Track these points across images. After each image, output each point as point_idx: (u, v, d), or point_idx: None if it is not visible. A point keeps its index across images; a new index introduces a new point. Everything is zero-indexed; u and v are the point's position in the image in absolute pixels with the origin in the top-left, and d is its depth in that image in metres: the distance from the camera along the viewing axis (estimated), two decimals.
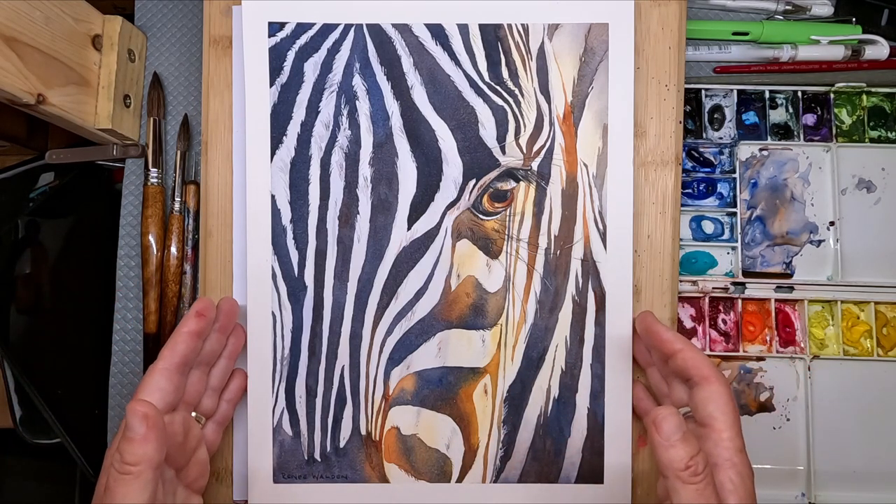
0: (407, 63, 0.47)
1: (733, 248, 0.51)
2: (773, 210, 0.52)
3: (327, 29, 0.47)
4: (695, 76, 0.53)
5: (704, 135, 0.53)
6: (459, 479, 0.47)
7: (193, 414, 0.42)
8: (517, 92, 0.47)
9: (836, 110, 0.53)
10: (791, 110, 0.53)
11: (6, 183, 0.60)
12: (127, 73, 0.51)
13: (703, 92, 0.53)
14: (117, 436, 0.36)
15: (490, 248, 0.47)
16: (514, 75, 0.47)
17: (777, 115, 0.53)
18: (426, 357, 0.47)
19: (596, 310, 0.47)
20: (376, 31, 0.47)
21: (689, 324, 0.51)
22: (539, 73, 0.47)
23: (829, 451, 0.50)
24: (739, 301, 0.51)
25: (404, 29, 0.47)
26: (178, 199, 0.51)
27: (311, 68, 0.47)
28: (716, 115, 0.53)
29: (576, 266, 0.47)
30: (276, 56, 0.47)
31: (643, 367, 0.46)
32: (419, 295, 0.47)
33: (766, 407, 0.51)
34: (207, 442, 0.43)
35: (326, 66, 0.47)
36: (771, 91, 0.53)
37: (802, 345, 0.51)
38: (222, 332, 0.44)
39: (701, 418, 0.38)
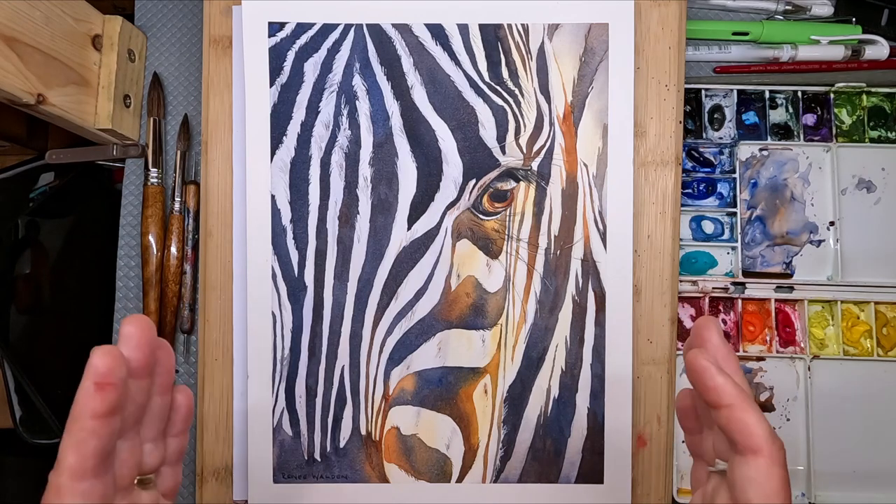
0: (407, 63, 0.47)
1: (733, 248, 0.51)
2: (773, 210, 0.52)
3: (327, 29, 0.47)
4: (695, 76, 0.53)
5: (704, 135, 0.53)
6: (459, 479, 0.47)
7: (137, 478, 0.30)
8: (517, 92, 0.47)
9: (836, 110, 0.53)
10: (791, 110, 0.53)
11: (6, 183, 0.60)
12: (127, 73, 0.51)
13: (703, 92, 0.53)
14: None
15: (490, 248, 0.47)
16: (514, 75, 0.47)
17: (777, 115, 0.53)
18: (426, 357, 0.47)
19: (596, 310, 0.47)
20: (376, 31, 0.47)
21: (689, 324, 0.51)
22: (539, 73, 0.47)
23: (829, 451, 0.50)
24: (739, 301, 0.51)
25: (404, 29, 0.47)
26: (178, 199, 0.51)
27: (311, 68, 0.47)
28: (716, 115, 0.53)
29: (576, 266, 0.47)
30: (276, 56, 0.47)
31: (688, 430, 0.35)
32: (419, 295, 0.47)
33: (766, 407, 0.51)
34: (165, 492, 0.33)
35: (326, 66, 0.47)
36: (771, 91, 0.53)
37: (802, 345, 0.51)
38: (141, 375, 0.29)
39: (737, 498, 0.29)
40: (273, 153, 0.47)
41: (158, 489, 0.32)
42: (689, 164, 0.52)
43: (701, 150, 0.53)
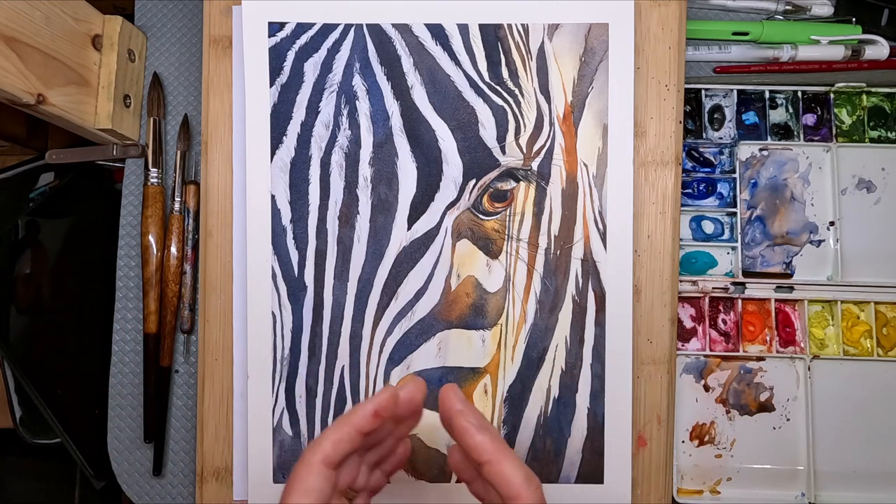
0: (407, 63, 0.47)
1: (733, 248, 0.51)
2: (773, 210, 0.52)
3: (327, 29, 0.47)
4: (695, 76, 0.53)
5: (704, 135, 0.53)
6: (459, 480, 0.47)
7: (349, 490, 0.37)
8: (517, 92, 0.47)
9: (836, 110, 0.53)
10: (791, 110, 0.53)
11: (6, 183, 0.60)
12: (127, 73, 0.51)
13: (703, 92, 0.53)
14: None
15: (490, 248, 0.47)
16: (514, 75, 0.47)
17: (777, 115, 0.53)
18: (426, 357, 0.47)
19: (596, 310, 0.47)
20: (376, 31, 0.47)
21: (689, 324, 0.51)
22: (539, 73, 0.47)
23: (829, 451, 0.50)
24: (739, 301, 0.51)
25: (404, 29, 0.47)
26: (178, 199, 0.51)
27: (311, 68, 0.47)
28: (716, 115, 0.53)
29: (576, 266, 0.47)
30: (276, 56, 0.47)
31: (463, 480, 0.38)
32: (419, 295, 0.47)
33: (766, 407, 0.51)
34: None
35: (326, 66, 0.47)
36: (771, 91, 0.53)
37: (802, 345, 0.51)
38: (398, 422, 0.37)
39: None
40: (273, 153, 0.47)
41: None
42: (689, 164, 0.52)
43: (701, 150, 0.53)
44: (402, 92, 0.47)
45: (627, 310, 0.47)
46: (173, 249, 0.51)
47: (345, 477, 0.36)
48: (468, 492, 0.47)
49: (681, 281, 0.50)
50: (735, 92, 0.53)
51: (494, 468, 0.33)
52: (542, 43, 0.47)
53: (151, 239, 0.51)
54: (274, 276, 0.47)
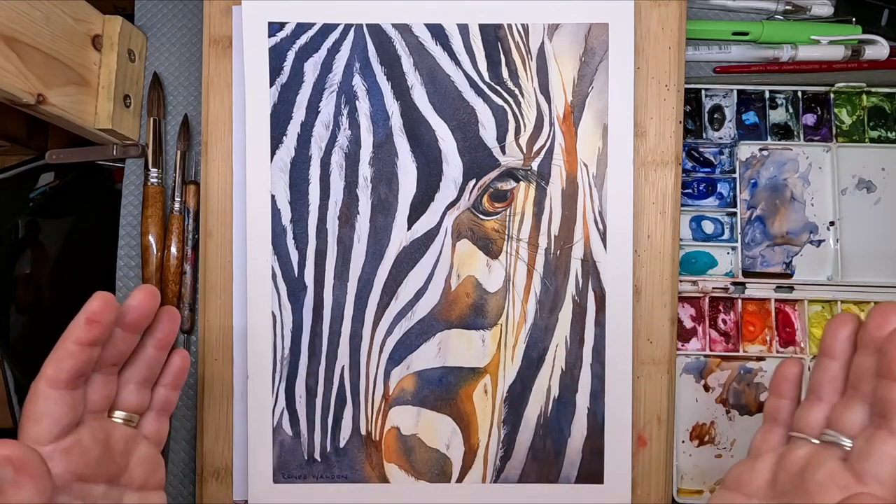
0: (407, 63, 0.47)
1: (733, 248, 0.51)
2: (773, 210, 0.52)
3: (327, 29, 0.47)
4: (695, 76, 0.53)
5: (704, 135, 0.53)
6: (459, 479, 0.47)
7: (121, 414, 0.37)
8: (517, 92, 0.47)
9: (836, 110, 0.53)
10: (791, 110, 0.53)
11: (6, 183, 0.60)
12: (127, 73, 0.51)
13: (703, 92, 0.53)
14: None
15: (490, 248, 0.47)
16: (514, 75, 0.47)
17: (777, 115, 0.53)
18: (426, 357, 0.47)
19: (596, 310, 0.47)
20: (376, 31, 0.47)
21: (689, 324, 0.51)
22: (539, 73, 0.47)
23: None
24: (739, 301, 0.51)
25: (404, 29, 0.47)
26: (178, 199, 0.51)
27: (311, 68, 0.47)
28: (716, 115, 0.53)
29: (576, 266, 0.47)
30: (276, 56, 0.47)
31: (826, 351, 0.33)
32: (419, 295, 0.47)
33: None
34: (148, 436, 0.38)
35: (326, 66, 0.47)
36: (771, 91, 0.53)
37: (802, 345, 0.51)
38: (131, 330, 0.36)
39: (863, 470, 0.29)
40: (273, 153, 0.47)
41: (142, 431, 0.38)
42: (689, 164, 0.52)
43: (701, 150, 0.53)
44: (402, 92, 0.47)
45: (627, 310, 0.47)
46: (173, 249, 0.51)
47: (96, 396, 0.35)
48: (468, 492, 0.47)
49: (681, 281, 0.50)
50: (735, 92, 0.53)
51: None
52: (542, 43, 0.47)
53: (151, 239, 0.51)
54: (274, 276, 0.47)
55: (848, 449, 0.30)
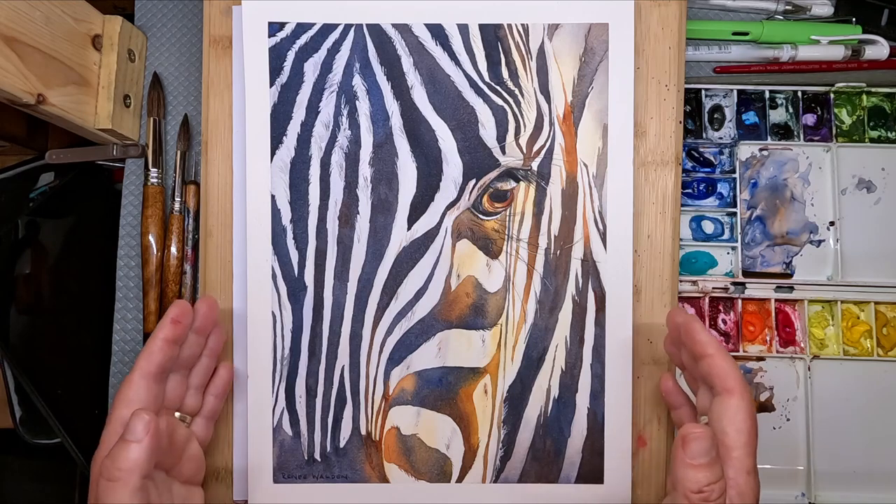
0: (407, 63, 0.47)
1: (733, 248, 0.51)
2: (773, 210, 0.52)
3: (327, 29, 0.47)
4: (695, 76, 0.53)
5: (704, 135, 0.53)
6: (459, 479, 0.47)
7: (178, 414, 0.43)
8: (517, 92, 0.47)
9: (836, 110, 0.53)
10: (791, 110, 0.53)
11: (6, 183, 0.60)
12: (127, 73, 0.51)
13: (703, 92, 0.53)
14: (101, 448, 0.37)
15: (490, 248, 0.47)
16: (514, 75, 0.47)
17: (777, 115, 0.53)
18: (426, 357, 0.47)
19: (596, 310, 0.47)
20: (376, 31, 0.47)
21: None
22: (539, 73, 0.47)
23: (829, 451, 0.50)
24: (739, 301, 0.51)
25: (404, 29, 0.47)
26: (178, 199, 0.51)
27: (311, 68, 0.47)
28: (716, 115, 0.53)
29: (576, 266, 0.47)
30: (276, 56, 0.47)
31: (675, 365, 0.44)
32: (419, 295, 0.47)
33: (766, 407, 0.51)
34: (198, 437, 0.43)
35: (326, 66, 0.47)
36: (771, 91, 0.53)
37: (802, 345, 0.51)
38: (200, 333, 0.43)
39: (715, 430, 0.36)
40: (273, 153, 0.47)
41: (194, 431, 0.43)
42: (689, 164, 0.52)
43: (701, 150, 0.53)
44: (402, 92, 0.47)
45: (627, 310, 0.47)
46: (173, 249, 0.51)
47: (171, 394, 0.41)
48: (468, 492, 0.47)
49: (681, 281, 0.50)
50: (735, 92, 0.53)
51: (717, 361, 0.37)
52: (542, 43, 0.47)
53: (151, 239, 0.51)
54: (274, 276, 0.47)
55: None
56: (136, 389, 0.38)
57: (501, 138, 0.47)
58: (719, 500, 0.34)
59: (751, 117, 0.53)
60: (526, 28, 0.47)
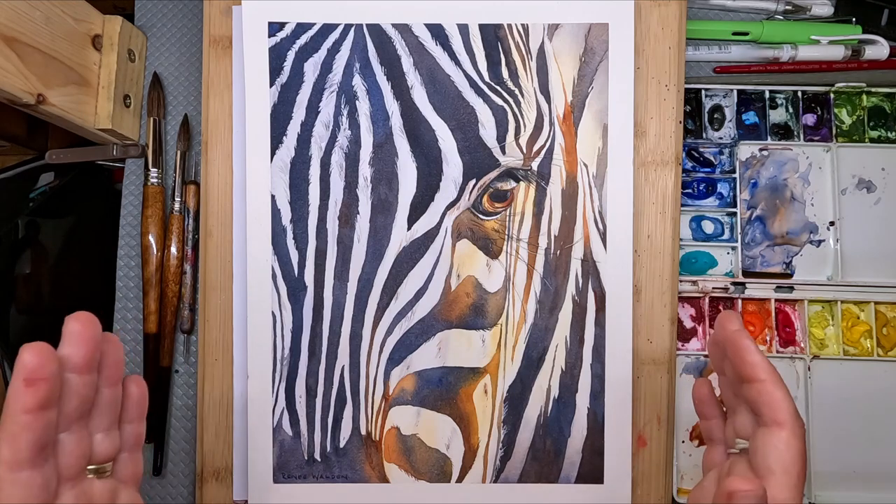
0: (407, 63, 0.47)
1: (733, 248, 0.51)
2: (773, 210, 0.52)
3: (327, 29, 0.47)
4: (695, 76, 0.53)
5: (704, 135, 0.53)
6: (459, 479, 0.47)
7: (91, 468, 0.32)
8: (517, 92, 0.47)
9: (836, 110, 0.53)
10: (791, 110, 0.53)
11: (6, 183, 0.60)
12: (127, 73, 0.51)
13: (703, 92, 0.53)
14: None
15: (490, 248, 0.47)
16: (514, 75, 0.47)
17: (777, 115, 0.53)
18: (426, 357, 0.47)
19: (596, 310, 0.47)
20: (376, 31, 0.47)
21: (689, 324, 0.51)
22: (539, 73, 0.47)
23: (829, 451, 0.50)
24: (739, 301, 0.51)
25: (404, 29, 0.47)
26: (178, 199, 0.51)
27: (311, 68, 0.47)
28: (716, 115, 0.53)
29: (576, 266, 0.47)
30: (276, 56, 0.47)
31: (713, 370, 0.41)
32: (419, 295, 0.47)
33: None
34: (126, 479, 0.34)
35: (326, 66, 0.47)
36: (771, 91, 0.53)
37: (802, 345, 0.51)
38: (84, 371, 0.30)
39: (757, 465, 0.32)
40: (273, 153, 0.47)
41: (117, 477, 0.33)
42: (689, 164, 0.52)
43: (701, 150, 0.53)
44: (402, 92, 0.47)
45: (627, 310, 0.47)
46: (173, 249, 0.51)
47: (68, 460, 0.30)
48: (468, 492, 0.47)
49: (681, 281, 0.50)
50: (735, 92, 0.53)
51: (768, 388, 0.32)
52: (542, 43, 0.47)
53: (151, 239, 0.50)
54: (274, 276, 0.47)
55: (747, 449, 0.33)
56: (11, 489, 0.27)
57: (501, 138, 0.47)
58: None
59: (751, 117, 0.53)
60: (526, 28, 0.47)
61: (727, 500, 0.30)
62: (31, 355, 0.28)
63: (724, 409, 0.37)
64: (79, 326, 0.30)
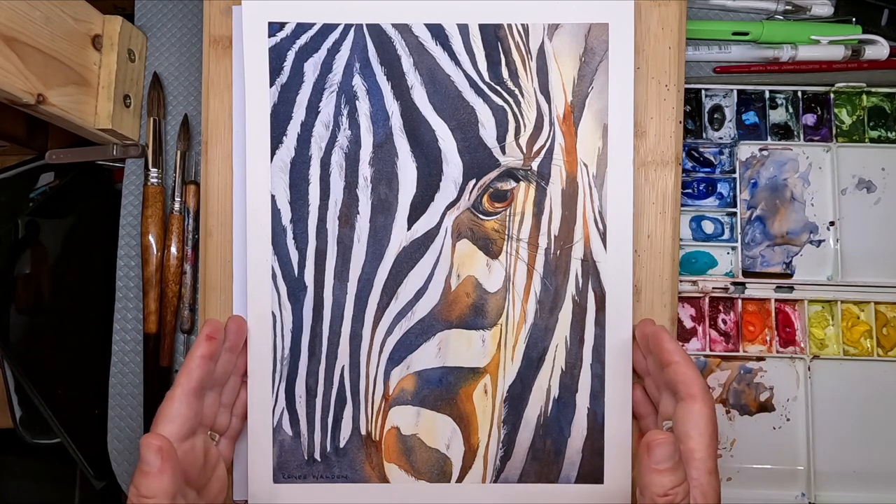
0: (407, 63, 0.47)
1: (733, 248, 0.51)
2: (773, 210, 0.52)
3: (327, 29, 0.47)
4: (695, 76, 0.53)
5: (704, 135, 0.53)
6: (459, 479, 0.47)
7: (209, 433, 0.43)
8: (517, 92, 0.47)
9: (836, 110, 0.53)
10: (791, 110, 0.53)
11: (6, 183, 0.60)
12: (127, 73, 0.51)
13: (703, 92, 0.53)
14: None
15: (490, 248, 0.47)
16: (514, 75, 0.47)
17: (777, 115, 0.53)
18: (426, 357, 0.47)
19: (596, 310, 0.47)
20: (376, 31, 0.47)
21: (689, 324, 0.51)
22: (539, 73, 0.47)
23: (829, 451, 0.50)
24: (739, 301, 0.51)
25: (404, 29, 0.47)
26: (178, 199, 0.51)
27: (311, 68, 0.47)
28: (716, 115, 0.53)
29: (576, 266, 0.47)
30: (276, 56, 0.47)
31: (640, 375, 0.46)
32: (419, 295, 0.47)
33: (766, 407, 0.51)
34: (223, 458, 0.44)
35: (326, 66, 0.47)
36: (771, 91, 0.53)
37: (802, 345, 0.51)
38: (232, 351, 0.45)
39: (678, 434, 0.39)
40: (273, 153, 0.47)
41: (220, 451, 0.44)
42: (689, 164, 0.52)
43: (701, 150, 0.53)
44: (402, 92, 0.47)
45: (627, 310, 0.47)
46: (173, 249, 0.51)
47: (207, 412, 0.42)
48: (468, 492, 0.47)
49: (681, 281, 0.50)
50: (735, 92, 0.53)
51: (682, 368, 0.40)
52: (542, 43, 0.47)
53: (151, 239, 0.51)
54: (274, 276, 0.47)
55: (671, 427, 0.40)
56: (178, 406, 0.39)
57: (501, 138, 0.47)
58: (684, 501, 0.35)
59: (751, 117, 0.53)
60: (526, 28, 0.47)
61: (647, 450, 0.36)
62: (212, 322, 0.43)
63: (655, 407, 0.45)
64: (235, 324, 0.45)
